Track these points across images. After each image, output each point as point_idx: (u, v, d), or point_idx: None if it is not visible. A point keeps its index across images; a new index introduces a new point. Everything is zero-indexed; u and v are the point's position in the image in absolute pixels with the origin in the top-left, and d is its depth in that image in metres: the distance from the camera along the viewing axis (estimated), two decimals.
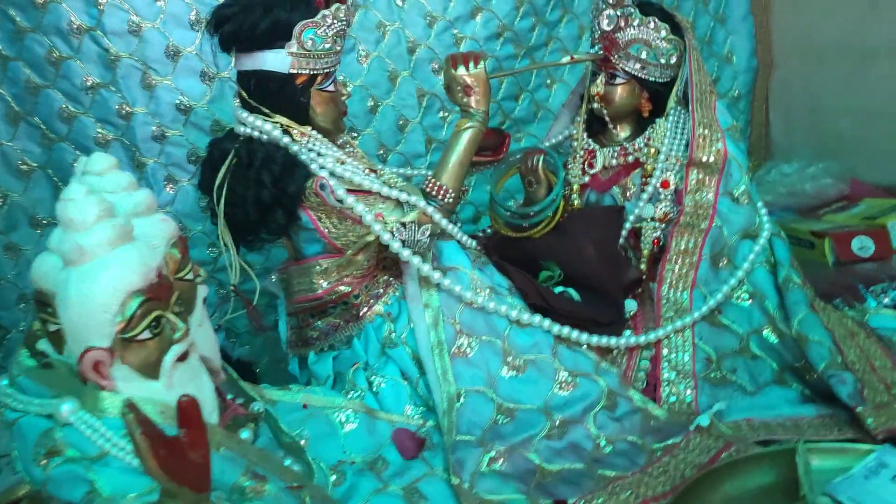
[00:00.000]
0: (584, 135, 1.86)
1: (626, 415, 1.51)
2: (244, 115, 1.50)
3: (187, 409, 0.81)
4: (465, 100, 1.56)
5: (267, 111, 1.49)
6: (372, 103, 2.18)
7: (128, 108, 1.92)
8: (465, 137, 1.56)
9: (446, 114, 2.28)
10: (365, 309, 1.55)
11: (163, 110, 1.96)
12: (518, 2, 2.35)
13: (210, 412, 0.99)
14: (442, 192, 1.54)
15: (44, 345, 1.00)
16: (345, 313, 1.55)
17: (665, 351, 1.63)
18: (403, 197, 1.51)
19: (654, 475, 1.43)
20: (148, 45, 1.91)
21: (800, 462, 1.28)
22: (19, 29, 1.83)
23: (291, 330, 1.63)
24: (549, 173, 1.71)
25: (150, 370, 0.95)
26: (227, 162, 1.49)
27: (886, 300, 1.90)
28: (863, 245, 2.16)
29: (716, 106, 1.72)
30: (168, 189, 2.00)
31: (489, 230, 1.85)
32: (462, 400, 1.43)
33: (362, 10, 2.15)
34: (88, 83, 1.89)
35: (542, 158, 1.69)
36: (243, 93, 1.51)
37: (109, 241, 0.90)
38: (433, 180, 1.55)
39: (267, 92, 1.48)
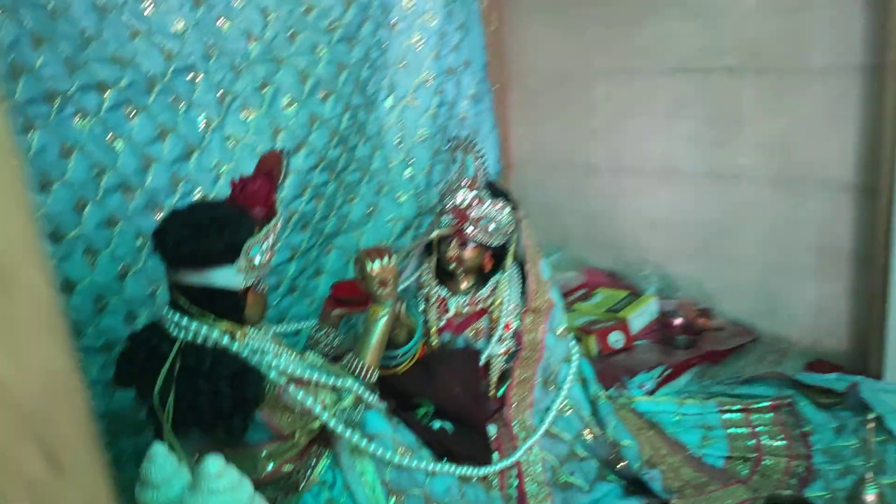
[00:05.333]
0: (434, 283, 2.20)
1: None
2: (184, 321, 1.58)
3: None
4: (379, 291, 1.80)
5: (212, 318, 1.59)
6: None
7: None
8: (383, 324, 1.81)
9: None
10: (303, 482, 1.73)
11: None
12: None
13: None
14: (368, 372, 1.78)
15: None
16: (284, 486, 1.71)
17: (524, 466, 2.05)
18: (339, 383, 1.71)
19: None
20: None
21: None
22: None
23: None
24: (409, 317, 2.03)
25: None
26: (166, 365, 1.55)
27: (644, 388, 2.52)
28: (617, 339, 2.78)
29: (540, 263, 2.18)
30: None
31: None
32: None
33: None
34: None
35: (403, 305, 2.01)
36: (181, 300, 1.59)
37: None
38: (359, 362, 1.77)
39: (214, 302, 1.59)
